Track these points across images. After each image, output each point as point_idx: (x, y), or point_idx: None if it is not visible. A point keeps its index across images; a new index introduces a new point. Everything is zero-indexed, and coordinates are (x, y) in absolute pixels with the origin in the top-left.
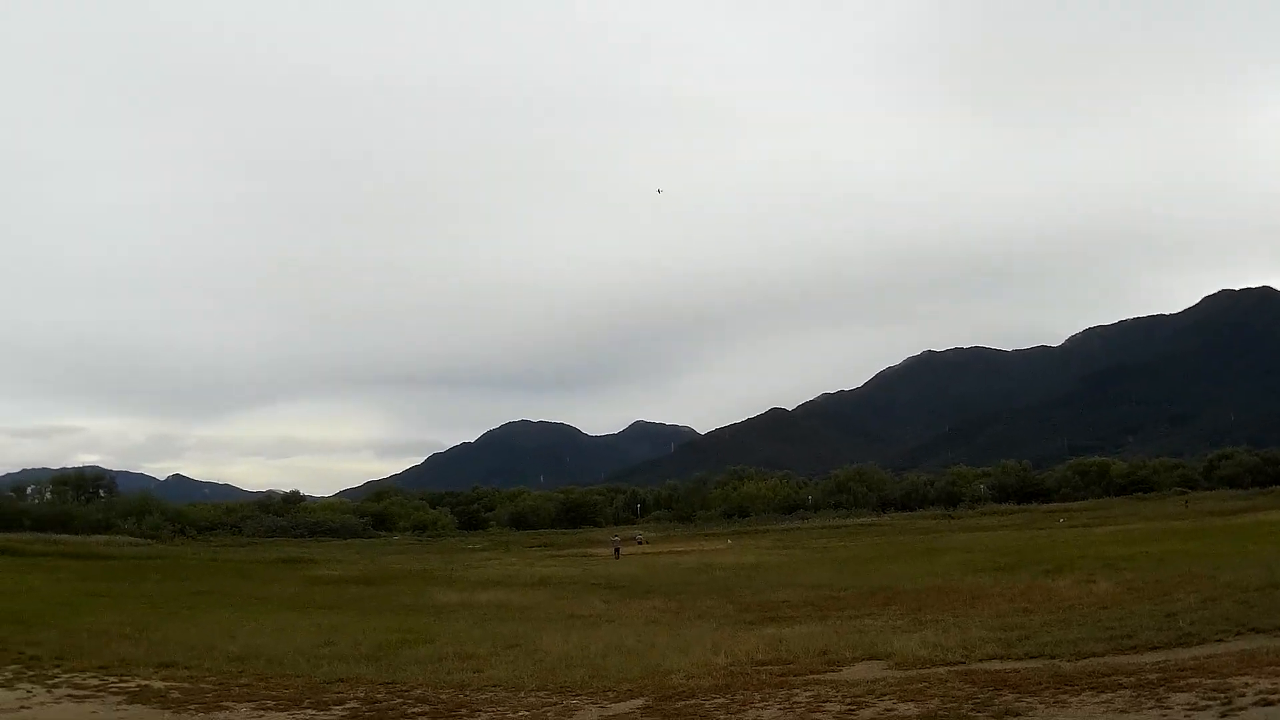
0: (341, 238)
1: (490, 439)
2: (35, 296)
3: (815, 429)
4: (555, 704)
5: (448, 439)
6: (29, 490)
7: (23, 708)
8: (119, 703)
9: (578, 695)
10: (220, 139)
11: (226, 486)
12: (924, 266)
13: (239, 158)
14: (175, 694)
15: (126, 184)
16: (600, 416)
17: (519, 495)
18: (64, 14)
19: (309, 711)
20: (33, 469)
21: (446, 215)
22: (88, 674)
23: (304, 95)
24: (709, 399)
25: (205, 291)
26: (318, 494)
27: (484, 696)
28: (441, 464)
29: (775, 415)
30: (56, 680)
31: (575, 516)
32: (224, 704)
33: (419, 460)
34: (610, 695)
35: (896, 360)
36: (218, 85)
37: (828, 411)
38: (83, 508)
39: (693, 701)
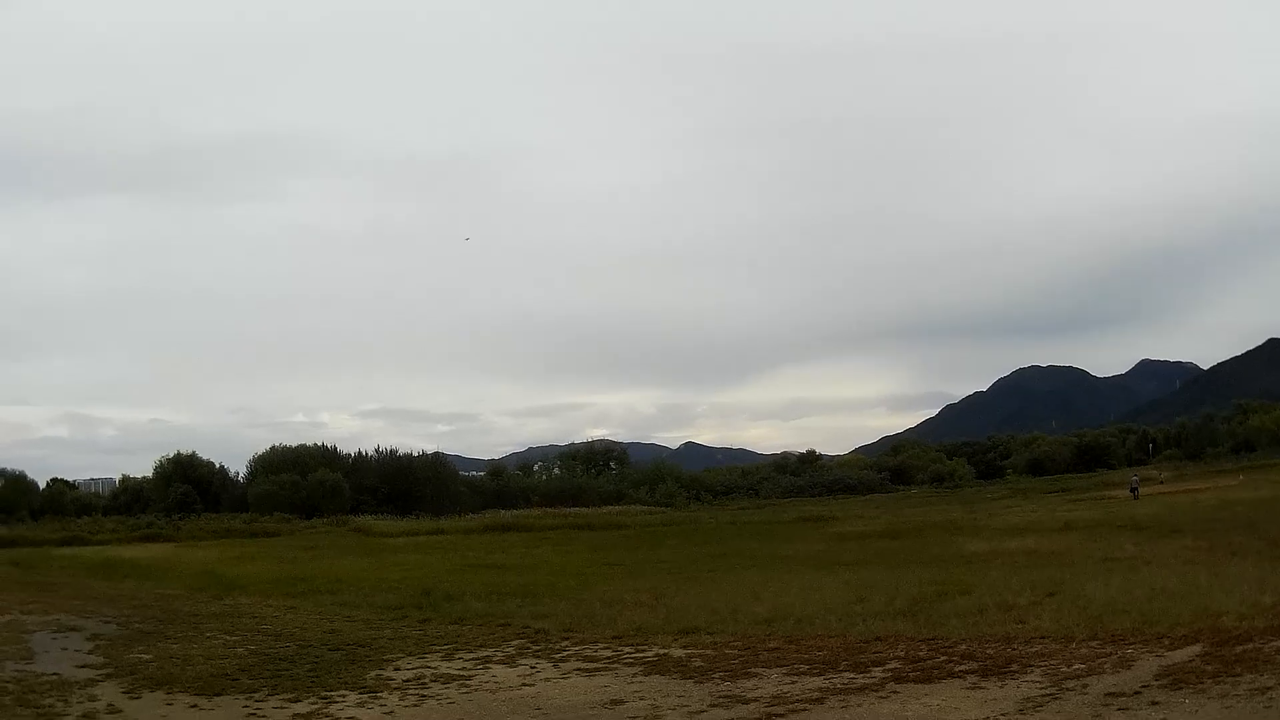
0: (852, 196)
1: (1001, 386)
2: (537, 278)
3: None
4: (1109, 654)
5: (960, 389)
6: (535, 467)
7: (525, 685)
8: (634, 674)
9: (1130, 644)
10: (724, 110)
11: (740, 451)
12: None
13: (741, 125)
14: (697, 661)
15: (627, 164)
16: (1108, 357)
17: (1034, 441)
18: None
19: (846, 674)
20: (539, 446)
21: (955, 162)
22: (599, 645)
23: (818, 61)
24: (1211, 332)
25: (710, 263)
26: (832, 452)
27: (1033, 650)
28: (955, 414)
29: (1273, 344)
30: (565, 653)
31: (1089, 459)
32: (751, 670)
33: (933, 412)
34: (1165, 642)
35: None
36: (722, 59)
37: None
38: (593, 480)
39: (1251, 645)
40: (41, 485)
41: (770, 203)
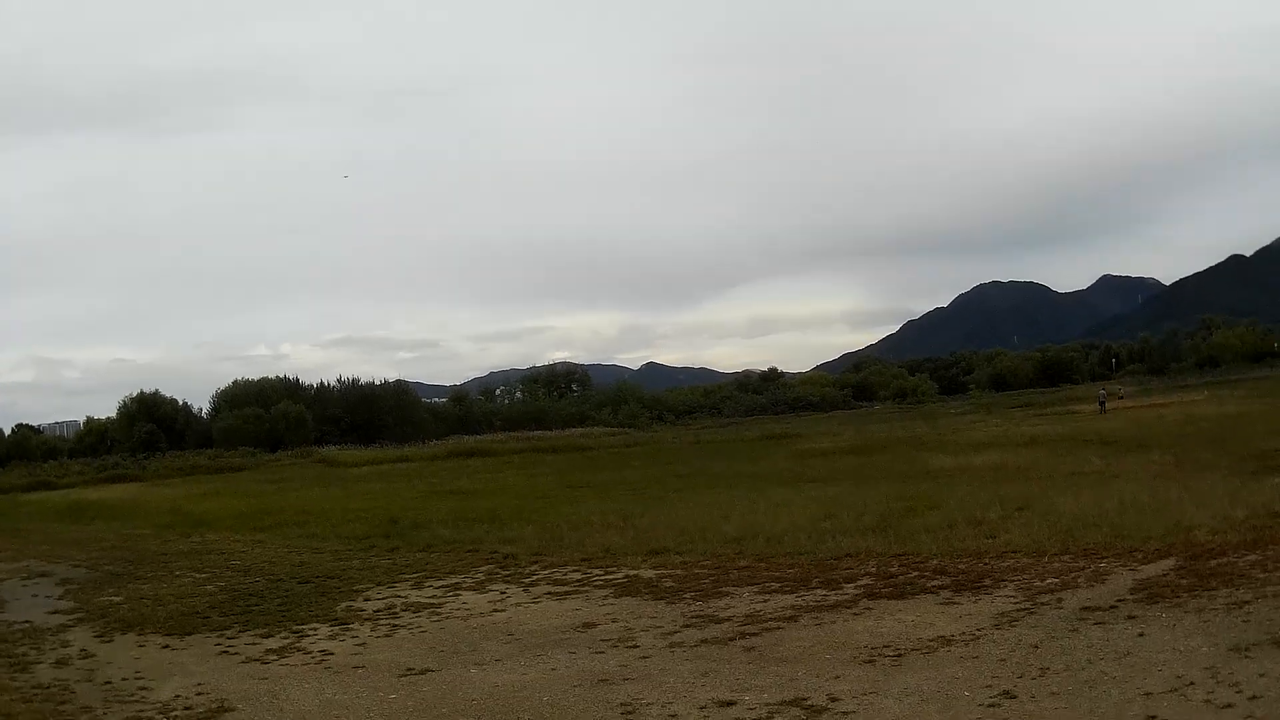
0: (812, 117)
1: (963, 302)
2: (501, 203)
3: (1273, 273)
4: (1082, 568)
5: (921, 305)
6: (498, 392)
7: (496, 610)
8: (605, 597)
9: (1103, 558)
10: (681, 36)
11: (702, 370)
12: None
13: (699, 51)
14: (668, 582)
15: (585, 89)
16: (1069, 272)
17: (996, 357)
18: None
19: (819, 592)
20: (501, 370)
21: (914, 82)
22: (569, 568)
23: None
24: (1173, 247)
25: (670, 184)
26: (794, 370)
27: (1005, 564)
28: (916, 331)
29: (1236, 261)
30: (534, 578)
31: (1053, 374)
32: (723, 589)
33: (894, 328)
34: (1138, 556)
35: None
36: None
37: None
38: (556, 403)
39: (1225, 560)
40: (7, 432)
41: (733, 124)
